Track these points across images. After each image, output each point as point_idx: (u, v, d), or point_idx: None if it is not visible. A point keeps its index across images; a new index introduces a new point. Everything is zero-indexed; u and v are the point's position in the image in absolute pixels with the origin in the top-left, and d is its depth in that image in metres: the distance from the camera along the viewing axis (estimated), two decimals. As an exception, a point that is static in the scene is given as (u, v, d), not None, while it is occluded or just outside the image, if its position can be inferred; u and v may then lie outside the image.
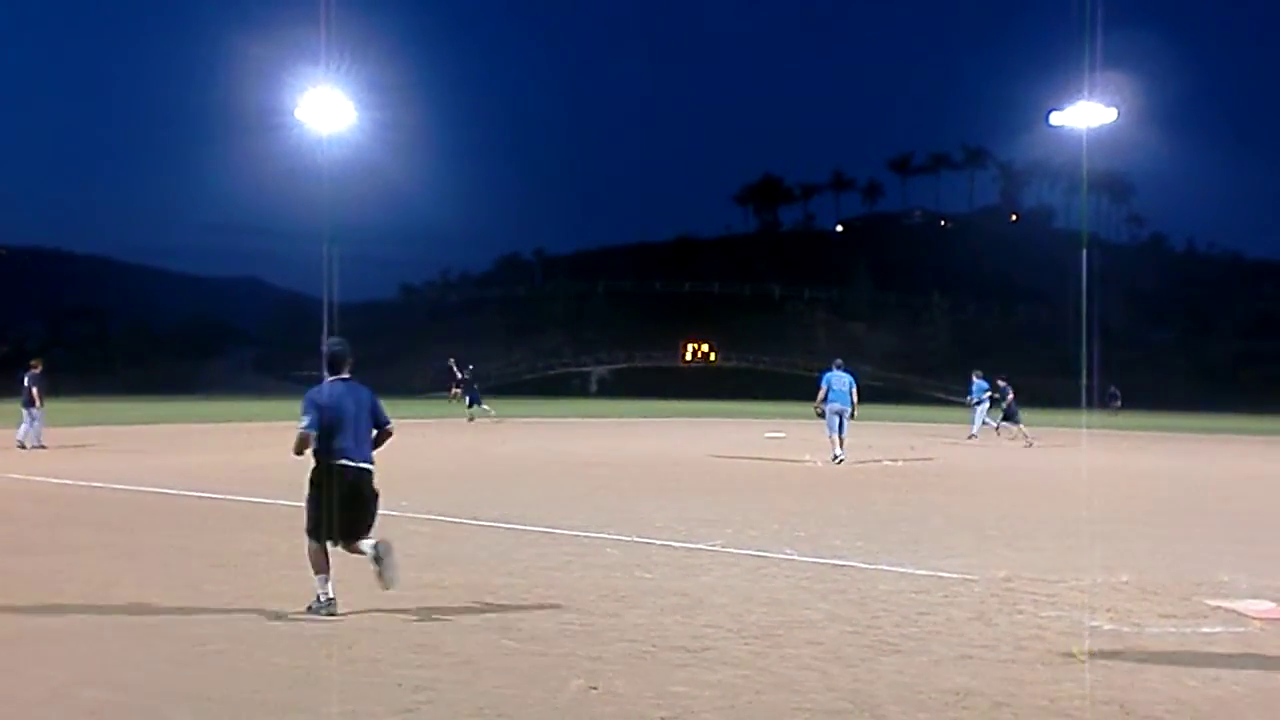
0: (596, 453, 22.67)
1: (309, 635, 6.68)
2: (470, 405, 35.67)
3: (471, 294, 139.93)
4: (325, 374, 7.94)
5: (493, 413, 36.03)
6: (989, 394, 32.14)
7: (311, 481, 7.53)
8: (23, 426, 22.02)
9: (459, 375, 38.19)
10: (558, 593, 8.03)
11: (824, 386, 21.18)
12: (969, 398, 32.75)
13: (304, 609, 7.19)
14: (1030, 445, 28.19)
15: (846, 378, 21.30)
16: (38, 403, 21.94)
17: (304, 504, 7.43)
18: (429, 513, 12.61)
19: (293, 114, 47.09)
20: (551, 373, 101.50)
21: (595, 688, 5.59)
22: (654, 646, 6.45)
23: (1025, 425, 29.99)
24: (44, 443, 21.95)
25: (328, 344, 8.17)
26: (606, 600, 7.78)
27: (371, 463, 7.83)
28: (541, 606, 7.56)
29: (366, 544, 7.40)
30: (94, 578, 8.53)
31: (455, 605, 7.56)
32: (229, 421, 37.09)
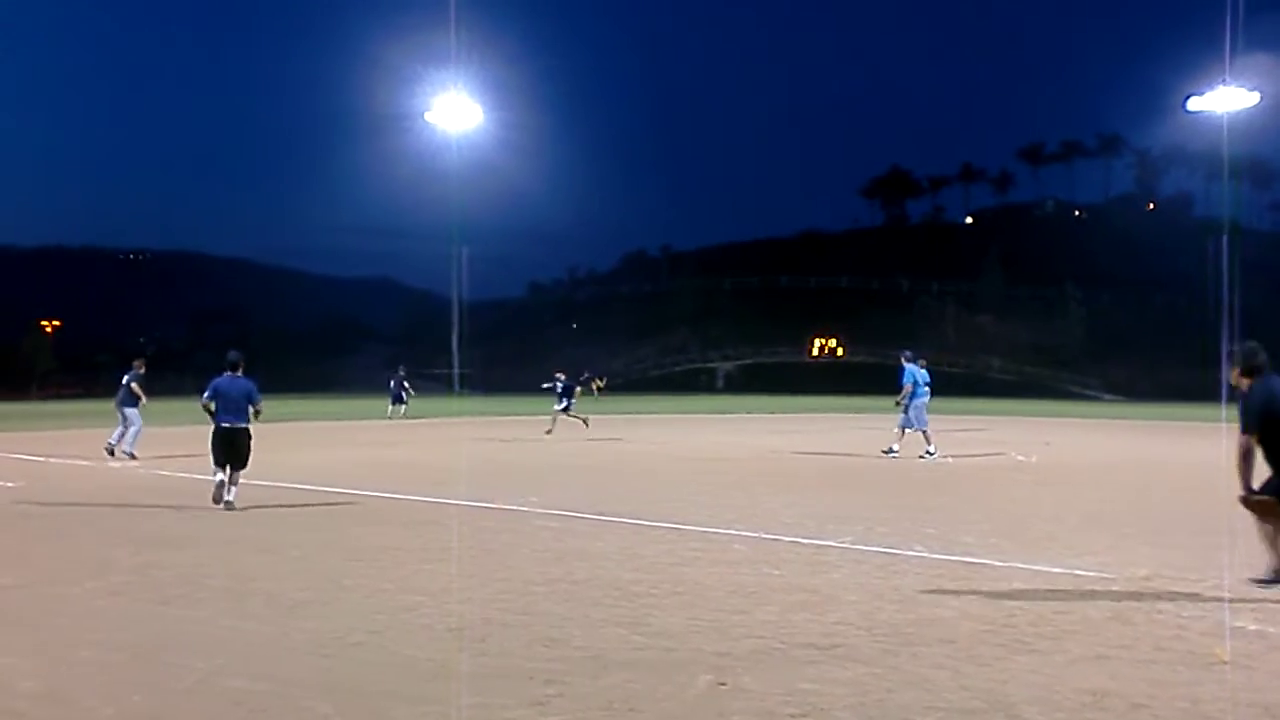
0: (722, 449, 22.66)
1: (442, 629, 6.83)
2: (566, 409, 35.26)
3: (598, 291, 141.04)
4: (226, 371, 13.36)
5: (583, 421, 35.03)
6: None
7: (212, 433, 13.01)
8: (117, 430, 20.19)
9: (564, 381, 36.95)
10: (686, 588, 8.05)
11: (910, 382, 20.93)
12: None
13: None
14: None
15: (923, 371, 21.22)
16: (142, 401, 20.58)
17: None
18: (556, 508, 12.76)
19: (423, 116, 48.08)
20: (678, 369, 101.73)
21: (724, 684, 5.60)
22: (783, 643, 6.44)
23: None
24: (135, 452, 19.90)
25: (229, 354, 13.69)
26: (735, 596, 7.78)
27: (246, 423, 13.11)
28: (670, 602, 7.59)
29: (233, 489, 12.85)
30: (235, 571, 8.84)
31: (584, 600, 7.64)
32: (364, 419, 38.03)
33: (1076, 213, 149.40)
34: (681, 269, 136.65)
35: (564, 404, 30.07)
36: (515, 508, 12.93)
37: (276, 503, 13.75)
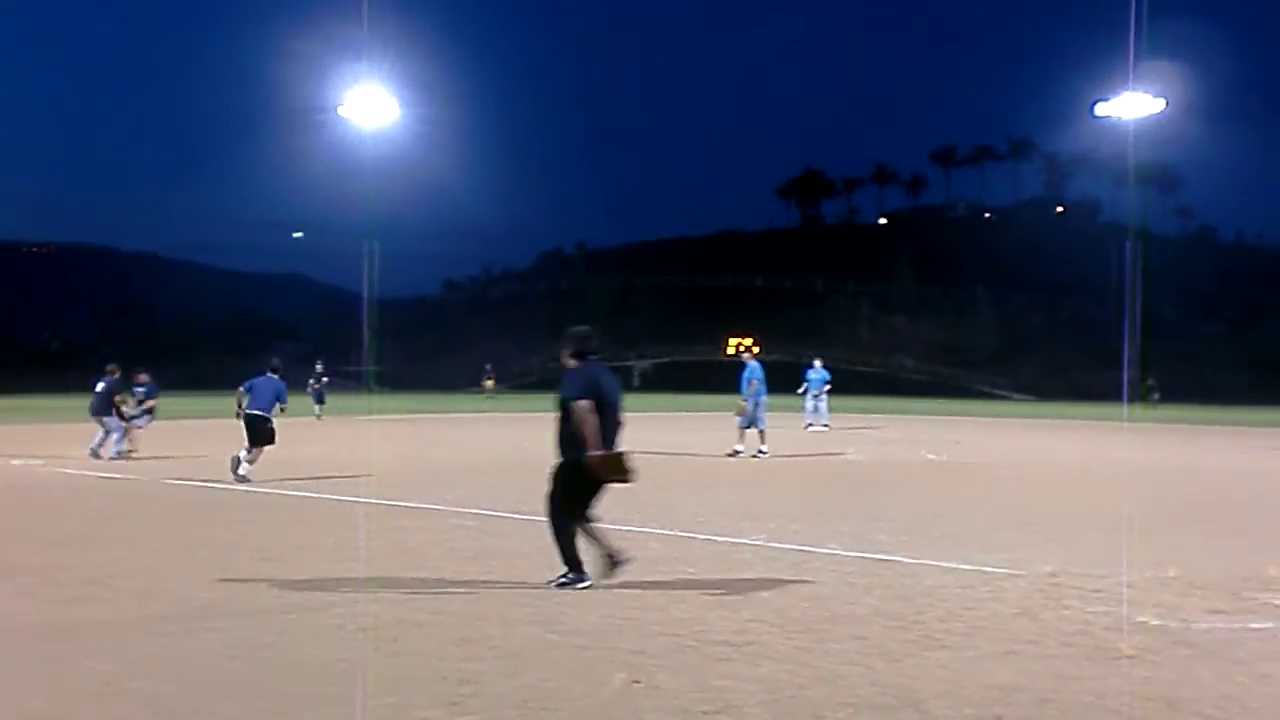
0: (639, 447, 22.65)
1: (354, 629, 6.74)
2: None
3: (514, 288, 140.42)
4: (268, 372, 16.48)
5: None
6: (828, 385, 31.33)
7: (244, 419, 15.87)
8: (98, 435, 19.71)
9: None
10: (602, 587, 8.05)
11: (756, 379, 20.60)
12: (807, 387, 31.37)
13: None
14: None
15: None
16: (125, 407, 19.98)
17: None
18: (473, 507, 12.68)
19: (336, 110, 47.47)
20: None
21: (638, 682, 5.60)
22: (697, 641, 6.46)
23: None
24: (126, 449, 19.69)
25: (272, 360, 16.81)
26: (650, 594, 7.79)
27: (269, 415, 15.93)
28: (585, 600, 7.59)
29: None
30: (144, 572, 8.65)
31: (499, 599, 7.61)
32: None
33: (987, 215, 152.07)
34: (598, 267, 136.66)
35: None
36: (431, 506, 12.83)
37: (188, 502, 13.49)
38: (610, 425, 8.04)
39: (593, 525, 8.10)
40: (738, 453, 20.42)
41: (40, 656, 6.10)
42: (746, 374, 20.47)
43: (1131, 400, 58.75)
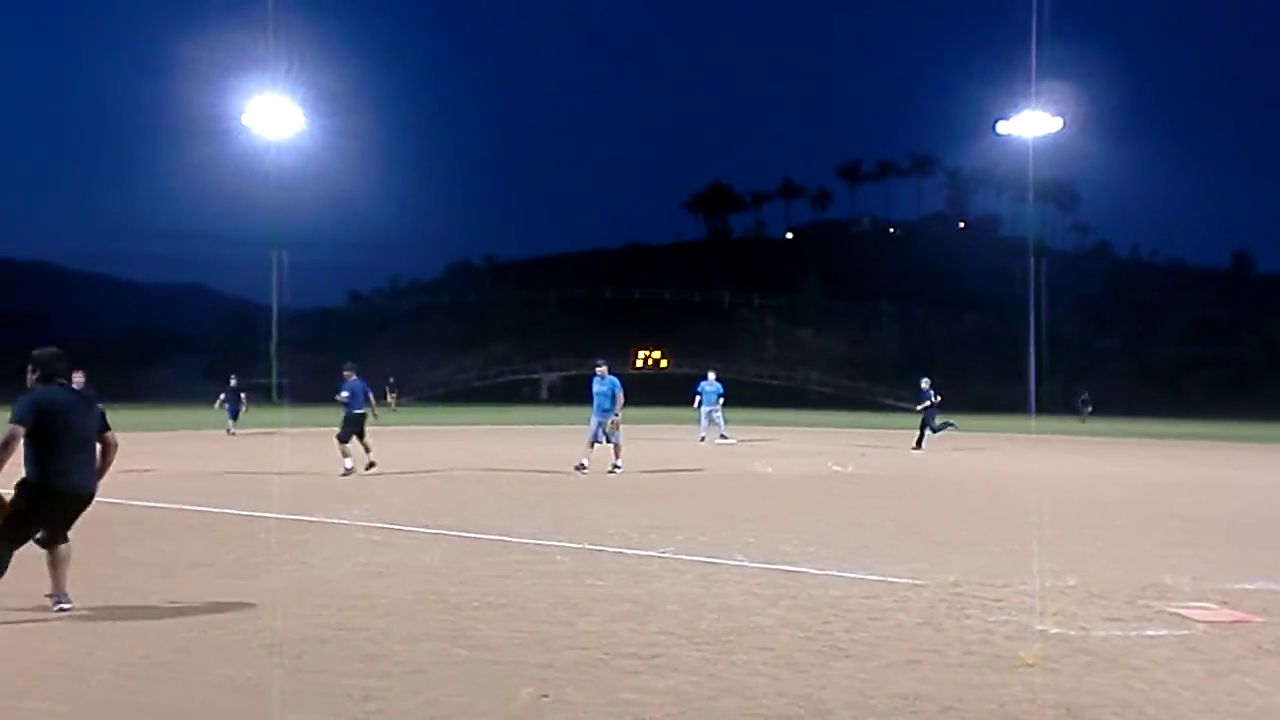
0: (544, 459, 22.59)
1: (256, 645, 6.61)
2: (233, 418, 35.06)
3: (421, 301, 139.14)
4: (354, 376, 19.23)
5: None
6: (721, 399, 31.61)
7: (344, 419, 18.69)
8: None
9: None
10: (509, 600, 7.99)
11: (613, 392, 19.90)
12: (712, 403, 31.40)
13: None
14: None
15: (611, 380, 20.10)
16: None
17: None
18: (379, 521, 12.52)
19: (239, 120, 46.66)
20: (501, 380, 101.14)
21: (546, 696, 5.57)
22: (605, 654, 6.44)
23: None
24: None
25: (347, 364, 19.48)
26: (558, 608, 7.75)
27: (363, 411, 19.05)
28: (492, 614, 7.52)
29: None
30: (35, 590, 8.37)
31: (405, 614, 7.51)
32: (173, 430, 36.62)
33: (891, 230, 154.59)
34: (506, 279, 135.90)
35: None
36: (336, 520, 12.64)
37: (82, 518, 13.11)
38: (68, 452, 7.55)
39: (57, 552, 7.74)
40: (583, 467, 19.46)
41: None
42: (609, 388, 19.87)
43: (1060, 413, 59.92)
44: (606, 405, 19.79)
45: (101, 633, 6.96)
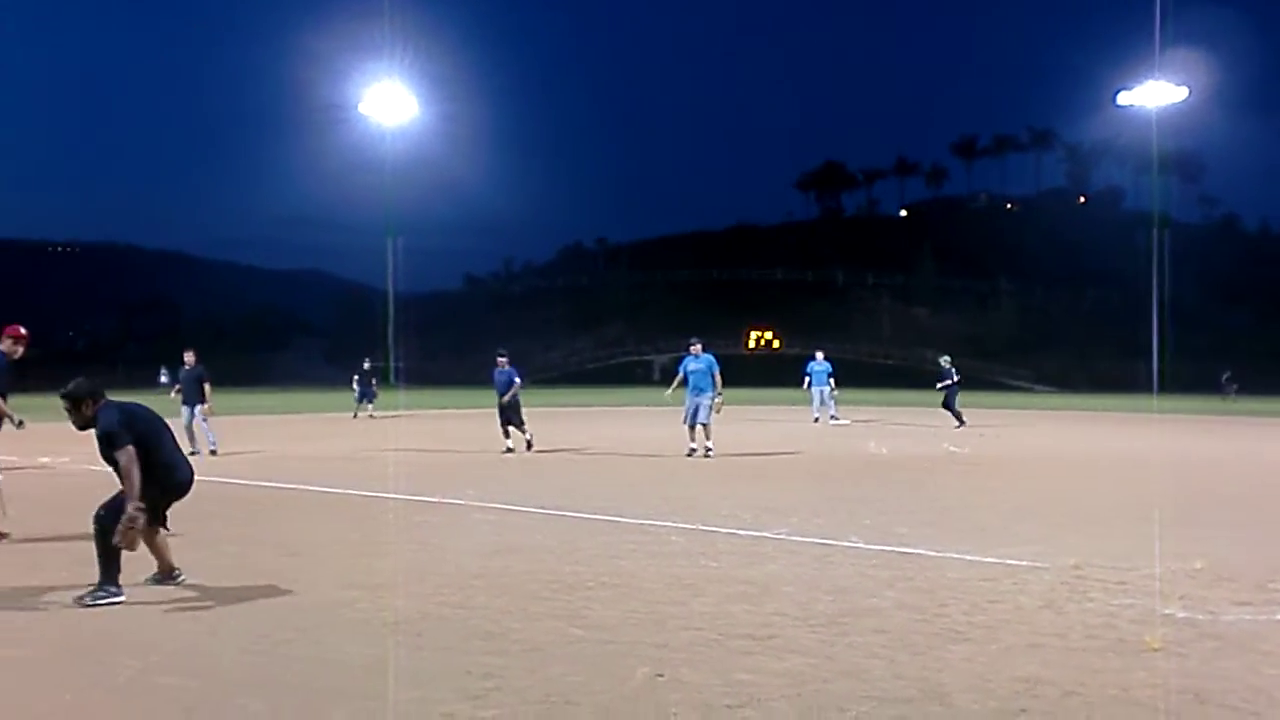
0: (656, 441, 22.66)
1: (378, 624, 6.76)
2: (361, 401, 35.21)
3: (534, 284, 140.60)
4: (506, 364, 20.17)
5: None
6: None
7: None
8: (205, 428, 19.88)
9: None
10: (623, 580, 8.05)
11: (680, 372, 19.41)
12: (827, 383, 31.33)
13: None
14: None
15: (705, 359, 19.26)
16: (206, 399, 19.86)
17: None
18: (495, 502, 12.70)
19: (357, 108, 47.57)
20: (613, 362, 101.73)
21: (661, 675, 5.60)
22: (720, 635, 6.45)
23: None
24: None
25: (499, 350, 20.53)
26: (672, 588, 7.79)
27: (510, 398, 20.01)
28: (607, 595, 7.58)
29: None
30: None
31: (522, 593, 7.61)
32: (298, 413, 37.59)
33: (1009, 206, 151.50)
34: (617, 262, 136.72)
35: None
36: (453, 501, 12.86)
37: (212, 498, 13.54)
38: (167, 448, 7.93)
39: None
40: (694, 449, 19.12)
41: (66, 652, 6.14)
42: (706, 366, 19.12)
43: (1195, 391, 58.12)
44: (704, 384, 18.91)
45: (229, 610, 7.18)
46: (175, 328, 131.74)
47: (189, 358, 20.45)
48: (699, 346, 19.48)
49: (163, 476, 7.66)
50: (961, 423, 28.43)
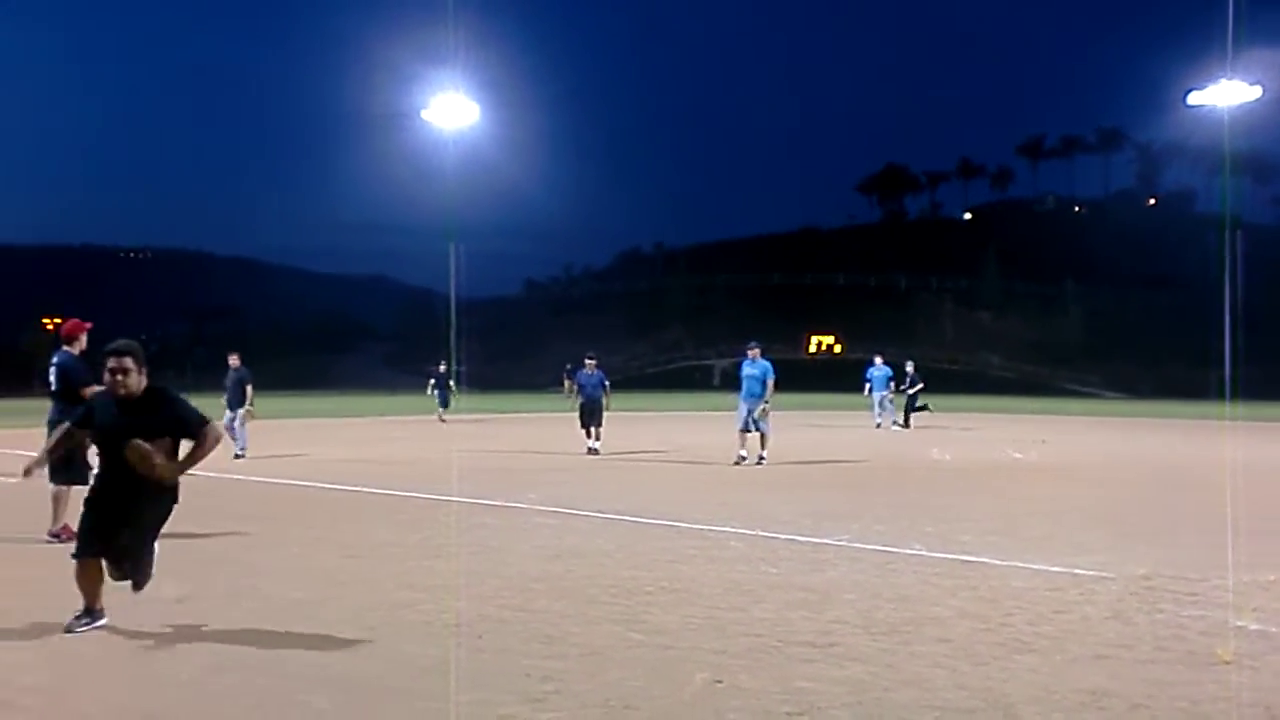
0: (715, 446, 22.61)
1: (439, 625, 6.80)
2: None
3: (593, 288, 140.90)
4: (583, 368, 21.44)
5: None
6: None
7: (580, 405, 21.82)
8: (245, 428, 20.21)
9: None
10: (682, 586, 8.03)
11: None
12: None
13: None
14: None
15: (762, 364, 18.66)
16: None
17: None
18: (555, 506, 12.74)
19: (420, 114, 48.07)
20: (673, 367, 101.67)
21: (720, 682, 5.57)
22: (780, 641, 6.41)
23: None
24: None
25: (588, 354, 22.11)
26: (731, 594, 7.76)
27: (600, 398, 21.20)
28: (666, 600, 7.57)
29: None
30: (234, 567, 8.82)
31: (582, 598, 7.62)
32: (362, 416, 37.99)
33: (1076, 208, 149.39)
34: (676, 266, 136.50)
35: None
36: (514, 505, 12.92)
37: (276, 499, 13.72)
38: None
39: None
40: (744, 457, 18.63)
41: (135, 651, 6.24)
42: (761, 371, 18.54)
43: (1275, 399, 56.77)
44: (757, 390, 18.44)
45: (295, 610, 7.26)
46: (243, 333, 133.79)
47: (233, 361, 20.78)
48: (756, 351, 19.05)
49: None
50: (907, 426, 29.94)
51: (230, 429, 19.58)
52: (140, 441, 6.42)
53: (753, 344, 19.34)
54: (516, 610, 7.21)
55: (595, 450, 20.74)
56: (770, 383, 18.51)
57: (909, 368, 31.36)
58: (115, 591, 7.75)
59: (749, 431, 18.66)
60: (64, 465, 9.68)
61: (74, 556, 6.62)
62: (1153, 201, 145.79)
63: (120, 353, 6.60)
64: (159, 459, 6.49)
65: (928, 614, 7.17)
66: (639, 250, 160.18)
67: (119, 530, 6.57)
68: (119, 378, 6.58)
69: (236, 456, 19.41)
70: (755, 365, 18.71)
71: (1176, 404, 49.41)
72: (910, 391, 31.31)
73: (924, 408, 32.09)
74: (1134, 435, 29.98)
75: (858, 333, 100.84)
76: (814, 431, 29.30)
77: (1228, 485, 15.64)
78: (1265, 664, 5.99)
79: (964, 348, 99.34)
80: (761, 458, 18.46)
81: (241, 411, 20.03)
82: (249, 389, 20.09)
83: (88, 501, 6.74)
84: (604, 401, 21.47)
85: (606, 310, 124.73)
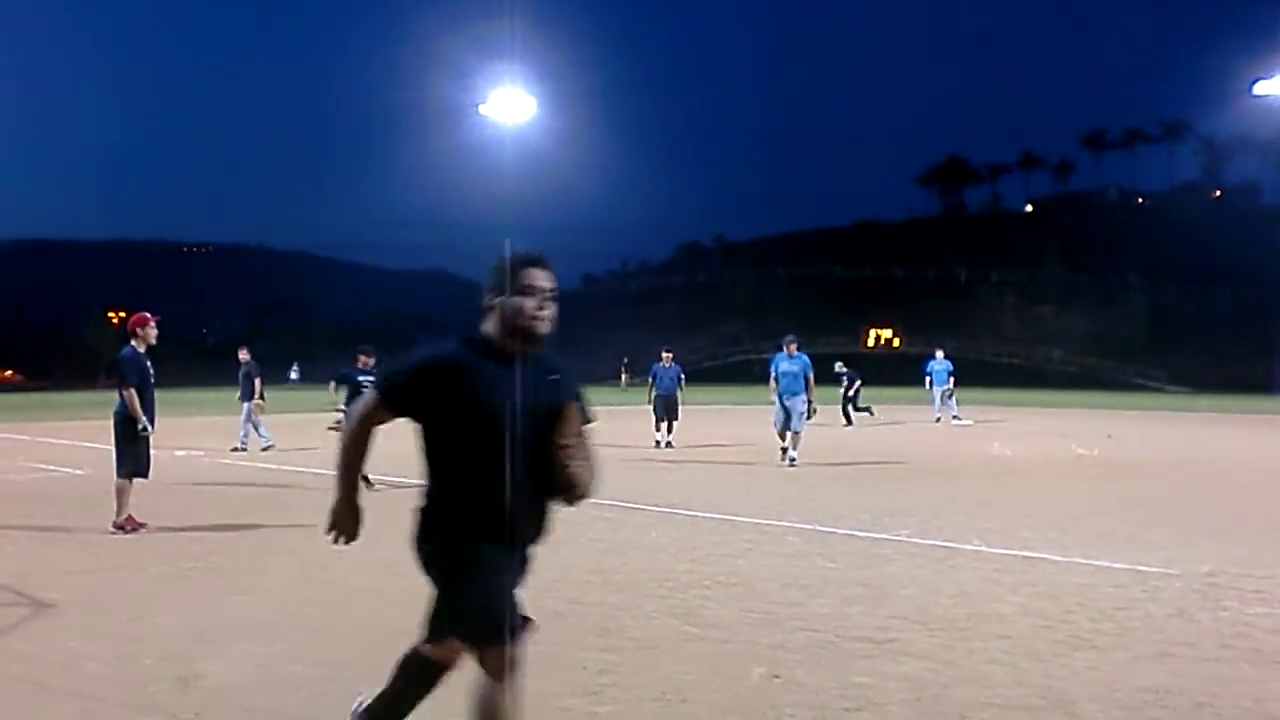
0: (775, 440, 22.52)
1: (497, 618, 6.83)
2: None
3: (651, 282, 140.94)
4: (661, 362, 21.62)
5: None
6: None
7: (654, 399, 21.87)
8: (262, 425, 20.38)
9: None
10: (739, 580, 8.03)
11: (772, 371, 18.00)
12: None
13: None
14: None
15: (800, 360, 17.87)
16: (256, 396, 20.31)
17: None
18: (611, 499, 12.76)
19: (477, 109, 48.30)
20: (732, 360, 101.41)
21: (778, 676, 5.56)
22: (837, 636, 6.39)
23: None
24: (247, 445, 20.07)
25: (664, 349, 22.15)
26: (788, 588, 7.74)
27: (676, 393, 21.62)
28: (723, 594, 7.57)
29: None
30: (298, 558, 8.93)
31: (638, 591, 7.64)
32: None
33: (1140, 200, 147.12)
34: (735, 259, 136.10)
35: None
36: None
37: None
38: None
39: None
40: (785, 452, 17.83)
41: (198, 638, 6.34)
42: (800, 367, 17.80)
43: None
44: (797, 388, 17.53)
45: (356, 601, 7.35)
46: (303, 326, 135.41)
47: (243, 355, 21.33)
48: (795, 345, 18.04)
49: None
50: (849, 423, 29.20)
51: (254, 423, 20.16)
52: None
53: (790, 338, 18.41)
54: (571, 603, 7.24)
55: (669, 444, 20.96)
56: (811, 378, 17.79)
57: (838, 366, 30.83)
58: (179, 581, 7.89)
59: (788, 431, 17.75)
60: (132, 459, 10.01)
61: None
62: (1218, 194, 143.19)
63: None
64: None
65: (987, 610, 7.11)
66: (697, 243, 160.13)
67: None
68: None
69: (234, 449, 19.69)
70: (795, 361, 17.80)
71: (1242, 399, 48.52)
72: (849, 393, 30.34)
73: (866, 409, 30.86)
74: (1198, 430, 29.49)
75: (917, 326, 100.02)
76: (873, 426, 29.11)
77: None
78: (1334, 664, 5.88)
79: (1025, 342, 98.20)
80: (793, 459, 17.52)
81: (250, 405, 20.35)
82: (257, 382, 20.45)
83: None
84: (679, 396, 21.75)
85: (665, 303, 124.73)
